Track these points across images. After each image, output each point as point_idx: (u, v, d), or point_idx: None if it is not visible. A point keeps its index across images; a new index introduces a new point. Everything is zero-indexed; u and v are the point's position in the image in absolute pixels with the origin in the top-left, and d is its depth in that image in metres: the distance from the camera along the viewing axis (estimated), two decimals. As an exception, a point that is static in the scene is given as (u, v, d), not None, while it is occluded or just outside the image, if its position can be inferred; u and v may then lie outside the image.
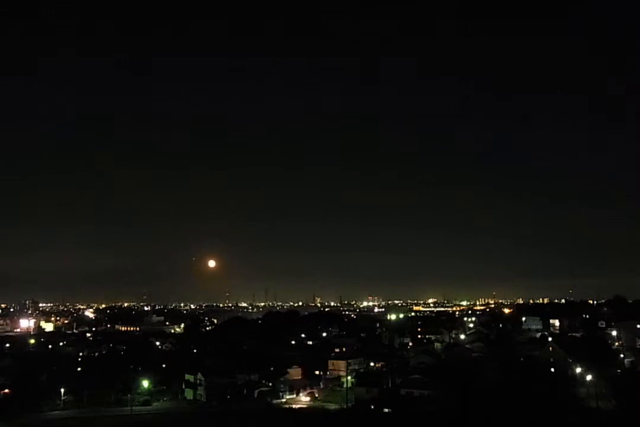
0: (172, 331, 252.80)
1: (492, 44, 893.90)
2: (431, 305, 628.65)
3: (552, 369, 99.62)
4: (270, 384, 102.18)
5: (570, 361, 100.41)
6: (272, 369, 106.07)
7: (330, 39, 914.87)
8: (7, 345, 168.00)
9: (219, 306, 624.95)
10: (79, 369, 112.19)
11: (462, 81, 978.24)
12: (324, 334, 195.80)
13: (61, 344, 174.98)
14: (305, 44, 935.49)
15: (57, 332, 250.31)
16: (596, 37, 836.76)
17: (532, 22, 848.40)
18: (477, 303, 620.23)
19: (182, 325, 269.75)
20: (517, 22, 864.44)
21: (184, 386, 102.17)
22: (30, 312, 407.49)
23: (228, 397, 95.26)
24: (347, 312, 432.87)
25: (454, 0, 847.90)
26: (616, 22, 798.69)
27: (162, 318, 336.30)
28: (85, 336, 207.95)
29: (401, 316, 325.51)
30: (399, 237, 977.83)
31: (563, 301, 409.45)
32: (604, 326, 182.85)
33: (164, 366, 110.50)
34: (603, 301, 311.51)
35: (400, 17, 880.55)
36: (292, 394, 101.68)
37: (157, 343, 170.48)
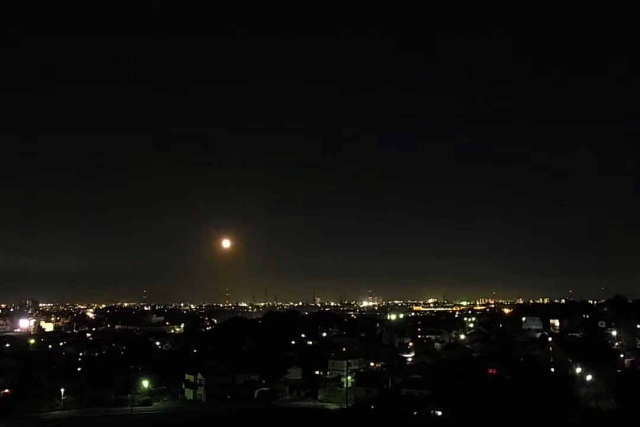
0: (172, 331, 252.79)
1: (491, 43, 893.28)
2: (431, 305, 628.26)
3: (552, 369, 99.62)
4: (270, 384, 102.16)
5: (570, 361, 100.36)
6: (272, 369, 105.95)
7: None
8: (7, 345, 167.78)
9: (219, 306, 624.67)
10: (79, 369, 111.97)
11: (462, 80, 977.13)
12: (324, 334, 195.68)
13: (61, 344, 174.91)
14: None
15: (57, 332, 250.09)
16: (596, 37, 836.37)
17: (528, 21, 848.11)
18: (477, 303, 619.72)
19: (182, 325, 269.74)
20: (516, 21, 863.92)
21: (184, 386, 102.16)
22: (30, 312, 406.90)
23: (228, 397, 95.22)
24: (347, 312, 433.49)
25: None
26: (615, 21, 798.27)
27: (162, 318, 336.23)
28: (85, 336, 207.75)
29: (401, 316, 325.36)
30: (398, 237, 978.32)
31: (563, 301, 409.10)
32: (604, 326, 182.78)
33: (164, 366, 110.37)
34: (603, 301, 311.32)
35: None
36: (292, 394, 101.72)
37: (157, 343, 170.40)
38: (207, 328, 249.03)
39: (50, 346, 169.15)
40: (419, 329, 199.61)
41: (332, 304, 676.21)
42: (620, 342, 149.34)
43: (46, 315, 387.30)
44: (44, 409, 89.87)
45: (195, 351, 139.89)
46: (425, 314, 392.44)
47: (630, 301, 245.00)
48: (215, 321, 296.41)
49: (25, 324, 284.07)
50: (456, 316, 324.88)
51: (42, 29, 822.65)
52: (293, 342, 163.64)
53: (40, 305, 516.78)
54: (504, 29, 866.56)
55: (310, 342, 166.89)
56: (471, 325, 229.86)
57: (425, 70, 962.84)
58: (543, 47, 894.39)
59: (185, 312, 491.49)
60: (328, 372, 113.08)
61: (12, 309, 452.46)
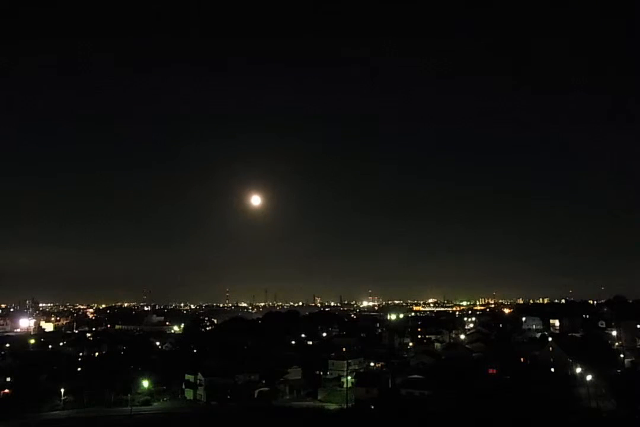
0: (172, 331, 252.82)
1: (491, 44, 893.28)
2: (431, 305, 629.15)
3: (552, 369, 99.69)
4: (270, 384, 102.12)
5: (570, 361, 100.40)
6: (272, 369, 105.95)
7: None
8: (7, 345, 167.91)
9: (219, 306, 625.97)
10: (79, 369, 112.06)
11: (463, 81, 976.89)
12: (324, 334, 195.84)
13: (61, 344, 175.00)
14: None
15: (57, 332, 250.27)
16: (597, 37, 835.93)
17: (533, 20, 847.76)
18: (477, 303, 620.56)
19: (182, 325, 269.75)
20: (518, 21, 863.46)
21: (184, 386, 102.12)
22: (30, 312, 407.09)
23: (228, 397, 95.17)
24: (347, 312, 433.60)
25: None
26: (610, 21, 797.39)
27: (162, 318, 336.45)
28: (85, 336, 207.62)
29: (401, 316, 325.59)
30: (398, 237, 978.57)
31: (563, 301, 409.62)
32: (604, 326, 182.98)
33: (164, 366, 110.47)
34: (603, 301, 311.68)
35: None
36: (292, 394, 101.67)
37: (157, 343, 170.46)
38: (207, 328, 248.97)
39: (50, 346, 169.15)
40: (419, 329, 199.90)
41: (332, 304, 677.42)
42: (620, 342, 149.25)
43: (46, 315, 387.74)
44: (44, 409, 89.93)
45: (195, 351, 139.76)
46: (425, 314, 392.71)
47: (630, 301, 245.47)
48: (215, 321, 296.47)
49: (25, 324, 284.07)
50: (456, 316, 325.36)
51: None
52: (293, 342, 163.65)
53: (40, 305, 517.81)
54: (504, 29, 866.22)
55: (310, 342, 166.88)
56: (471, 325, 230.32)
57: (426, 70, 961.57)
58: (543, 47, 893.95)
59: (185, 312, 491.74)
60: (328, 372, 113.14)
61: (12, 309, 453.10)
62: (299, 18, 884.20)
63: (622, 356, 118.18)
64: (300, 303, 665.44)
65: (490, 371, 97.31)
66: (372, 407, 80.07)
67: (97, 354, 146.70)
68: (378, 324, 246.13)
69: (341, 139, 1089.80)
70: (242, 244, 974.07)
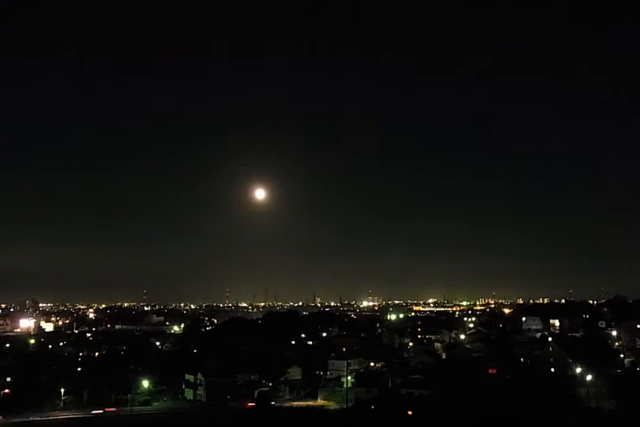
0: (172, 331, 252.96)
1: (492, 42, 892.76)
2: (431, 305, 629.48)
3: (552, 369, 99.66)
4: (270, 384, 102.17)
5: (570, 361, 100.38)
6: (272, 369, 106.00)
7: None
8: (7, 345, 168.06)
9: (219, 306, 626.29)
10: (79, 369, 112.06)
11: (464, 81, 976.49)
12: (324, 334, 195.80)
13: (61, 344, 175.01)
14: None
15: (57, 332, 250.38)
16: (596, 37, 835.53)
17: (532, 21, 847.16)
18: (477, 303, 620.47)
19: (182, 325, 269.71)
20: (518, 21, 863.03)
21: (184, 386, 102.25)
22: (30, 312, 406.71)
23: (228, 397, 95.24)
24: (347, 312, 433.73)
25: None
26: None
27: (162, 318, 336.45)
28: (85, 336, 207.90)
29: (401, 316, 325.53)
30: (398, 237, 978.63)
31: (563, 301, 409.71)
32: (604, 326, 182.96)
33: (164, 366, 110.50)
34: (603, 301, 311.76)
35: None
36: (292, 394, 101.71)
37: (157, 343, 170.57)
38: (207, 328, 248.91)
39: (50, 346, 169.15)
40: (419, 329, 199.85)
41: (332, 304, 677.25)
42: (620, 342, 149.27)
43: (46, 315, 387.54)
44: (44, 409, 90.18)
45: (195, 351, 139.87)
46: (425, 314, 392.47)
47: (630, 301, 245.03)
48: (215, 321, 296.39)
49: (25, 324, 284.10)
50: (456, 316, 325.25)
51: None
52: (293, 342, 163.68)
53: (40, 305, 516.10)
54: (503, 28, 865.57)
55: (310, 342, 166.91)
56: (471, 325, 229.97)
57: (427, 69, 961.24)
58: (543, 46, 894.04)
59: (185, 312, 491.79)
60: (328, 372, 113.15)
61: (12, 309, 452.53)
62: (298, 18, 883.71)
63: (622, 356, 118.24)
64: (300, 303, 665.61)
65: (490, 371, 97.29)
66: (372, 407, 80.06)
67: (97, 354, 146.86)
68: (378, 324, 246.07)
69: (341, 139, 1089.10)
70: (243, 244, 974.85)
